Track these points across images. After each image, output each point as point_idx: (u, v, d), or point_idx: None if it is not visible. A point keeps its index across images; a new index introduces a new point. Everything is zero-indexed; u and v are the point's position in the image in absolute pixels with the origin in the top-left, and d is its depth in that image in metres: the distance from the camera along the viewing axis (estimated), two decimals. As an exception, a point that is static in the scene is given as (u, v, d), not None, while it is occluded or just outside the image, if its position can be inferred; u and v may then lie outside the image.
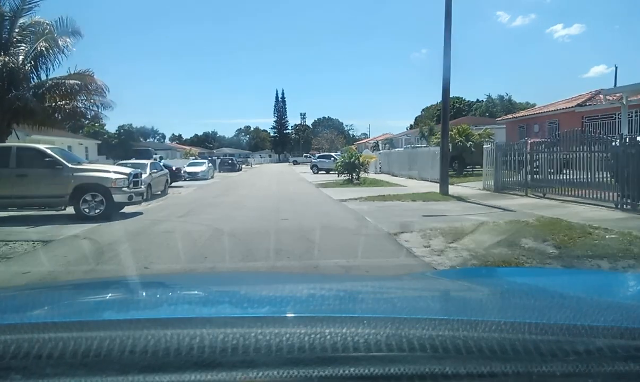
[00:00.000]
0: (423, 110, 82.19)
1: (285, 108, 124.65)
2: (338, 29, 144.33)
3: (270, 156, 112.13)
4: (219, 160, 53.63)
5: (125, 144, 47.44)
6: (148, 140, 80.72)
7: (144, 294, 1.57)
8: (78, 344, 0.80)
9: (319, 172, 38.34)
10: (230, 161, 52.62)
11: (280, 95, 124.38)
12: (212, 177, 34.36)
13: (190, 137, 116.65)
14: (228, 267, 6.23)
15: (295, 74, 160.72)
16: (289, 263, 6.29)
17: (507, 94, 62.30)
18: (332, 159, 37.14)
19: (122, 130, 50.85)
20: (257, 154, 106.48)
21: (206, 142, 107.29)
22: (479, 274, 2.16)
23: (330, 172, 33.43)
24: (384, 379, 0.78)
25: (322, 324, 0.85)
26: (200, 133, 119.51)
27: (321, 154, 47.43)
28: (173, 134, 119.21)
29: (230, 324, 0.86)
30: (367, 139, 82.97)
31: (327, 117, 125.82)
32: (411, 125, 78.87)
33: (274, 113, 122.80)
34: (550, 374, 0.80)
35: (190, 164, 34.98)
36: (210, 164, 37.02)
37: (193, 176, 30.98)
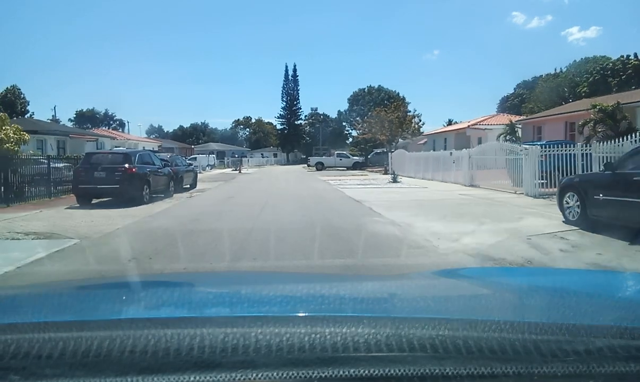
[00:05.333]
0: (518, 86, 57.11)
1: (298, 91, 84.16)
2: (351, 33, 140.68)
3: (275, 155, 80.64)
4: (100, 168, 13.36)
5: None
6: (100, 128, 56.78)
7: (144, 293, 1.57)
8: (77, 344, 0.80)
9: None
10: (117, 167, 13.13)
11: (290, 74, 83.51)
12: None
13: (174, 130, 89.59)
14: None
15: (305, 75, 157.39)
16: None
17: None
18: None
19: None
20: (259, 152, 78.93)
21: (196, 137, 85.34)
22: (479, 274, 2.15)
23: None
24: (384, 379, 0.78)
25: (322, 324, 0.85)
26: (187, 125, 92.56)
27: None
28: (151, 126, 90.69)
29: (230, 323, 0.86)
30: (461, 125, 38.90)
31: (372, 86, 74.95)
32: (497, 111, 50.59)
33: (282, 97, 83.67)
34: (551, 375, 0.79)
35: None
36: None
37: None
